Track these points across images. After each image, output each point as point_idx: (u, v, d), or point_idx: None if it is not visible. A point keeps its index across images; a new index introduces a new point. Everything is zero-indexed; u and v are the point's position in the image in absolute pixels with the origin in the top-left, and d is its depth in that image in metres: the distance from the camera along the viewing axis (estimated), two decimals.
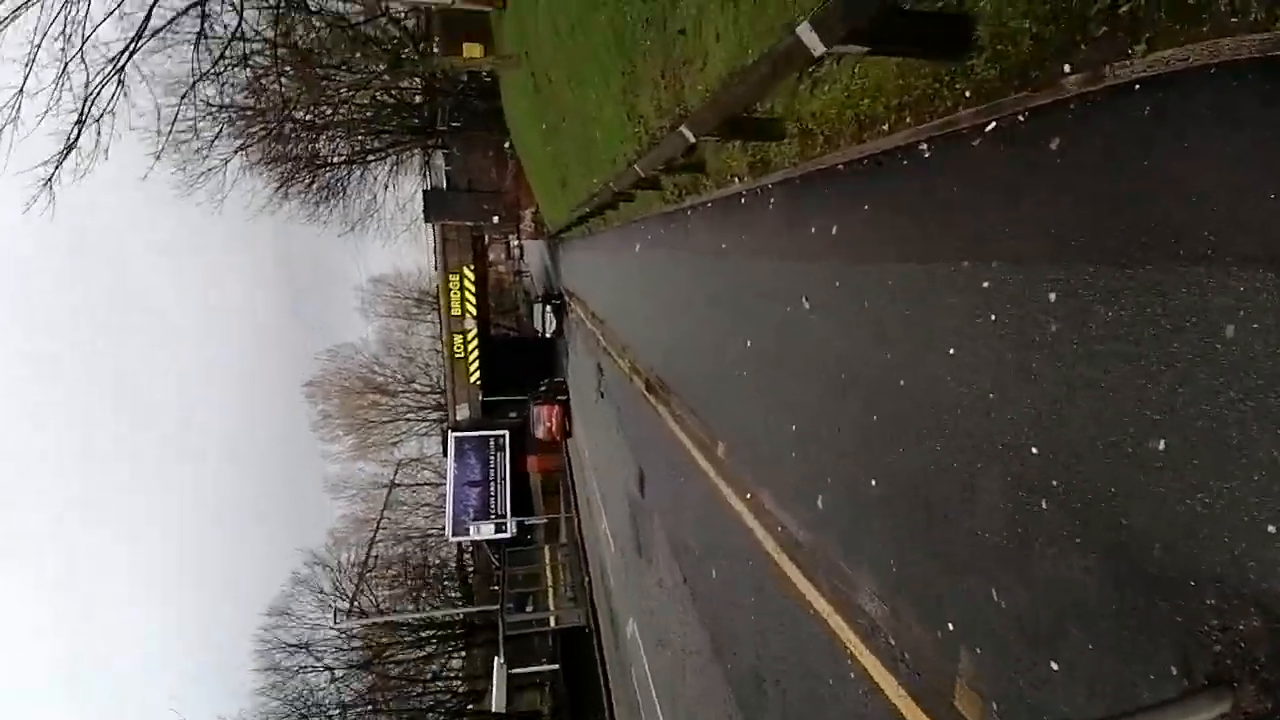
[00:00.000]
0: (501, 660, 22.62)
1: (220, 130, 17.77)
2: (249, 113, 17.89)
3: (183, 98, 16.02)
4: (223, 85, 17.34)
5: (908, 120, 3.83)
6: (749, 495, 7.04)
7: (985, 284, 3.34)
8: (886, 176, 4.07)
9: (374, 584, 37.77)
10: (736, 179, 6.53)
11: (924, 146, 3.77)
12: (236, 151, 17.74)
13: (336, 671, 34.19)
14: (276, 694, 32.77)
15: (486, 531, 30.92)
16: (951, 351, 3.52)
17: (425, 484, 54.67)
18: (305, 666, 34.03)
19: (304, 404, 58.30)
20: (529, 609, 23.00)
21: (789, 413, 5.65)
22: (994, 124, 3.38)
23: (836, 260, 4.70)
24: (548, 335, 29.46)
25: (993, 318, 3.29)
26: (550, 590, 23.66)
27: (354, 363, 57.69)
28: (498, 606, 24.99)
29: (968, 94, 3.47)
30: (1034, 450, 3.00)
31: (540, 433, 26.58)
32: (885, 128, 3.99)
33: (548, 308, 28.46)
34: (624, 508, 14.96)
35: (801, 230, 5.21)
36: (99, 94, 13.05)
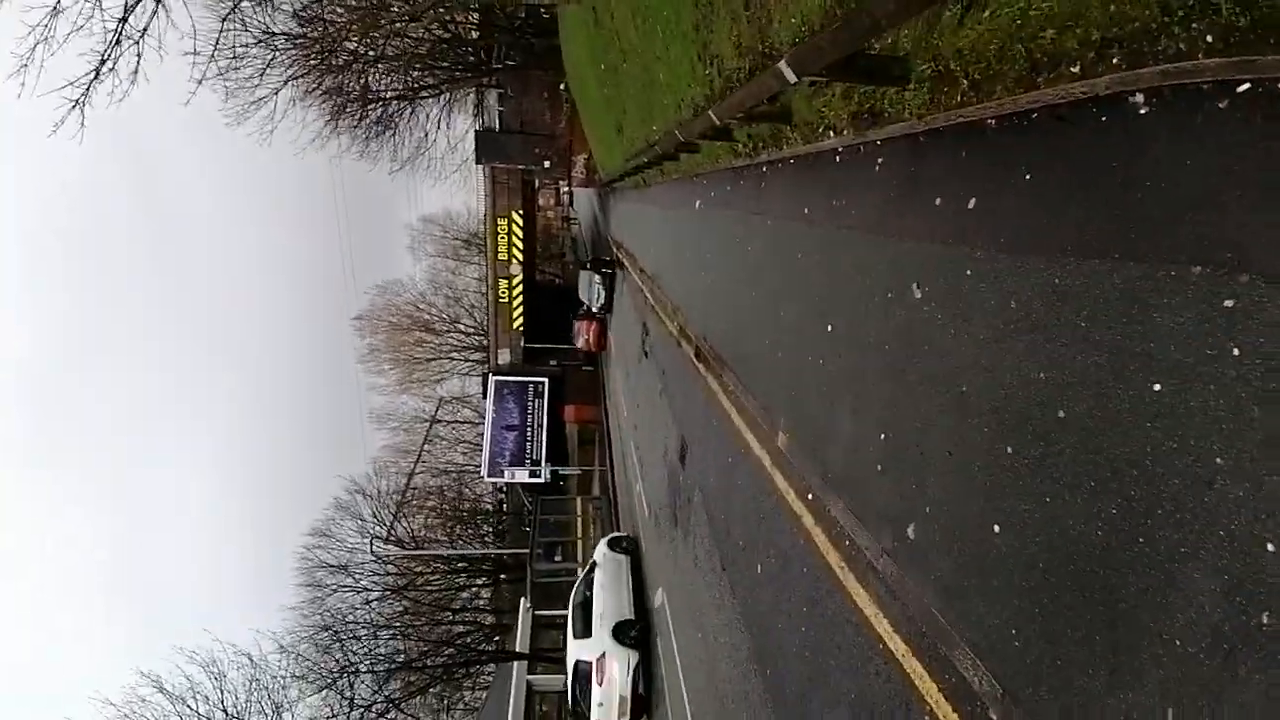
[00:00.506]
0: (528, 604, 22.65)
1: (271, 58, 16.98)
2: (300, 40, 17.01)
3: (224, 20, 15.14)
4: (273, 8, 16.42)
5: (1116, 61, 2.74)
6: (811, 497, 6.17)
7: (1229, 303, 2.32)
8: (1069, 136, 3.00)
9: (411, 515, 38.48)
10: (832, 132, 5.43)
11: (1139, 98, 2.69)
12: (287, 82, 16.96)
13: (371, 594, 35.18)
14: (315, 609, 33.90)
15: (521, 476, 30.91)
16: (1158, 388, 2.53)
17: (465, 422, 55.33)
18: (343, 585, 35.06)
19: (353, 337, 59.16)
20: (558, 558, 22.85)
21: (879, 418, 4.71)
22: (1251, 85, 2.31)
23: (970, 242, 3.66)
24: (595, 310, 25.55)
25: (1235, 352, 2.28)
26: (580, 541, 23.43)
27: (402, 299, 58.10)
28: (528, 550, 24.95)
29: (1210, 38, 2.39)
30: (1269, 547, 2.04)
31: (580, 344, 28.33)
32: (1076, 69, 2.90)
33: (596, 275, 24.62)
34: (662, 473, 14.28)
35: (920, 200, 4.16)
36: (134, 8, 12.26)
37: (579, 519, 24.52)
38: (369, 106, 24.78)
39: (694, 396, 11.34)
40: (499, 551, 32.63)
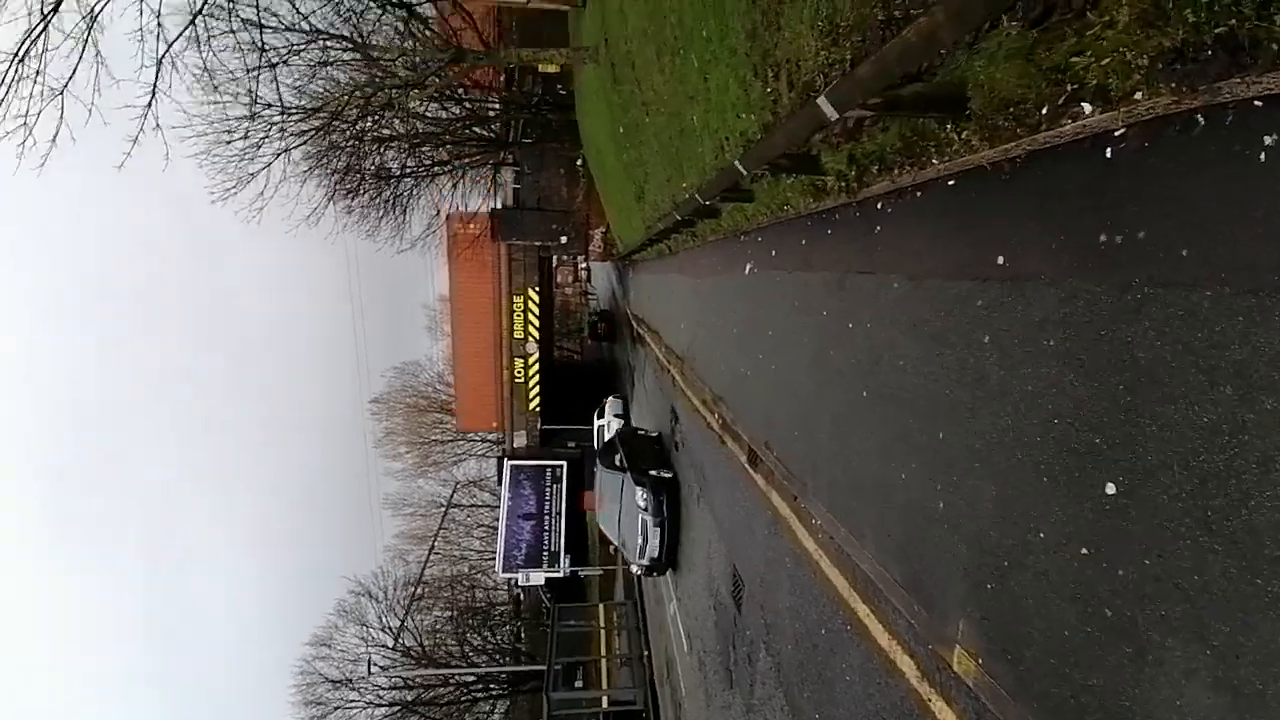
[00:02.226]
0: None
1: (265, 132, 15.38)
2: (296, 112, 15.47)
3: (216, 88, 13.45)
4: (265, 78, 14.81)
5: None
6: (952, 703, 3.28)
7: None
8: None
9: (424, 612, 34.84)
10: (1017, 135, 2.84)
11: None
12: (279, 155, 15.27)
13: (378, 709, 31.26)
14: None
15: (537, 578, 27.57)
16: None
17: (482, 505, 52.09)
18: (348, 702, 31.24)
19: (369, 420, 56.97)
20: (577, 683, 19.31)
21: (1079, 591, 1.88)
22: None
23: None
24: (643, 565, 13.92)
25: None
26: (603, 662, 19.90)
27: (420, 380, 56.21)
28: (544, 666, 21.37)
29: None
30: None
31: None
32: None
33: (640, 493, 13.40)
34: (705, 603, 11.21)
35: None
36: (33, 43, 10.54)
37: (601, 632, 21.03)
38: (380, 184, 23.19)
39: (749, 515, 8.47)
40: (513, 669, 28.79)
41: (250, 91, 14.94)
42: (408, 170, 24.86)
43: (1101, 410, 2.65)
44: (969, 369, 3.57)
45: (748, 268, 8.17)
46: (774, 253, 7.08)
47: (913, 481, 4.22)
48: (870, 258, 4.80)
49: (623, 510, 13.91)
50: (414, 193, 25.00)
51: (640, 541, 13.07)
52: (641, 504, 13.04)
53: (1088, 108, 2.61)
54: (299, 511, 78.41)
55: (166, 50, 11.96)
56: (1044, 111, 2.82)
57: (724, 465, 9.98)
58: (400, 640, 31.72)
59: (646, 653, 18.46)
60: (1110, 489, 2.61)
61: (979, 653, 3.50)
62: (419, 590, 35.85)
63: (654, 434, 15.70)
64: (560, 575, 31.17)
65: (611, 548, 15.88)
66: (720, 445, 10.21)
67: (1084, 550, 2.74)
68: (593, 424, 25.55)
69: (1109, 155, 2.63)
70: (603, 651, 19.93)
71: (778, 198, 6.50)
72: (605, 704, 18.61)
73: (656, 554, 12.88)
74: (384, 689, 30.62)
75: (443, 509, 49.92)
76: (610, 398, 24.11)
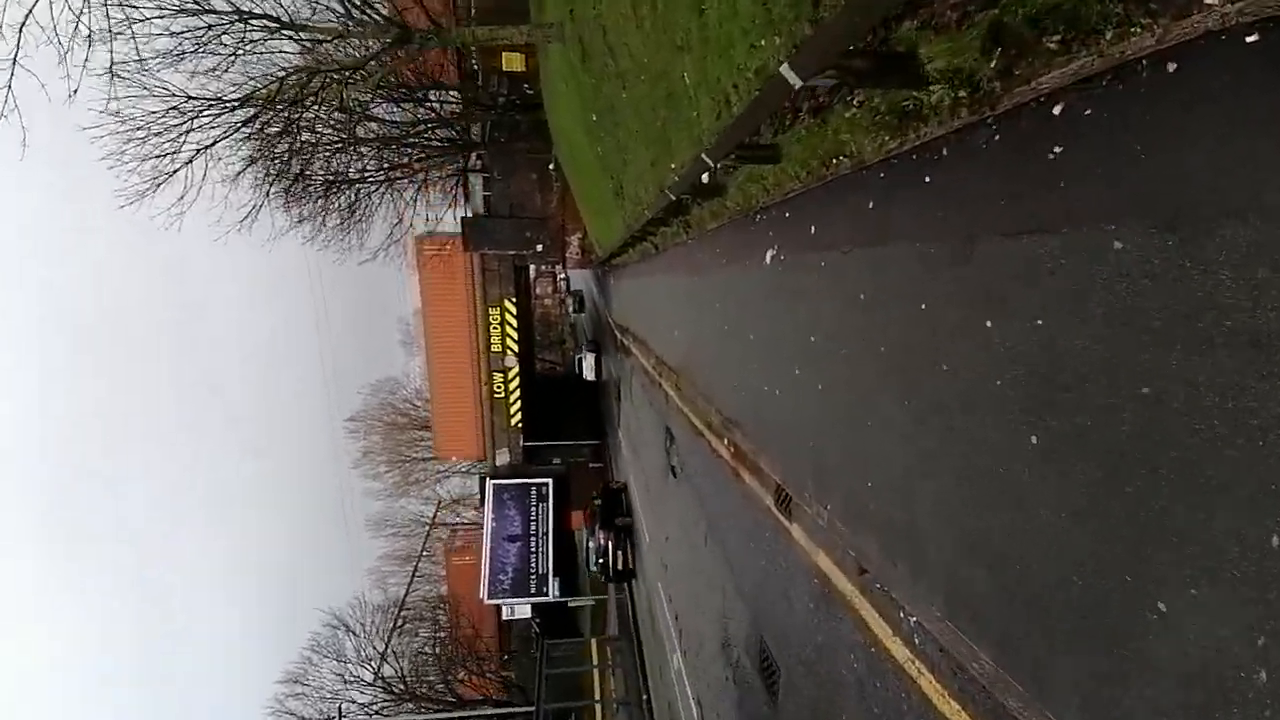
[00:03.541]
0: None
1: (187, 124, 13.01)
2: (222, 105, 13.15)
3: (115, 76, 11.14)
4: (188, 68, 12.47)
5: None
6: None
7: None
8: None
9: (402, 646, 32.22)
10: None
11: None
12: (199, 151, 12.82)
13: None
14: None
15: (523, 611, 25.22)
16: None
17: (469, 524, 49.48)
18: None
19: (345, 440, 54.09)
20: None
21: None
22: None
23: None
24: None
25: None
26: (597, 707, 17.63)
27: (397, 397, 53.50)
28: (533, 709, 19.05)
29: None
30: None
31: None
32: None
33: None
34: (719, 667, 9.07)
35: None
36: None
37: (595, 673, 18.75)
38: (331, 190, 20.75)
39: (783, 579, 6.37)
40: (498, 713, 26.35)
41: (161, 85, 12.64)
42: (366, 175, 22.47)
43: None
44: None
45: (769, 256, 6.08)
46: (814, 229, 4.99)
47: (981, 540, 2.14)
48: (1040, 203, 2.71)
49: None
50: (372, 200, 22.57)
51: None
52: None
53: None
54: (276, 534, 74.85)
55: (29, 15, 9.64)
56: None
57: (740, 504, 7.87)
58: (380, 674, 29.13)
59: (646, 696, 16.26)
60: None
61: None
62: (401, 618, 33.28)
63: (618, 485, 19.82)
64: (549, 600, 28.85)
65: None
66: (735, 480, 8.09)
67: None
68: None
69: None
70: (597, 694, 17.66)
71: (823, 146, 4.41)
72: None
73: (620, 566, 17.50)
74: None
75: (426, 529, 47.32)
76: (585, 351, 28.37)
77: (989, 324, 3.08)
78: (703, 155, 5.51)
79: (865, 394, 4.34)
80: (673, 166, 8.94)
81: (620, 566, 16.92)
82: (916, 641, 4.07)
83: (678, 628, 11.98)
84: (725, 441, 8.50)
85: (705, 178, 6.96)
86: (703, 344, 9.51)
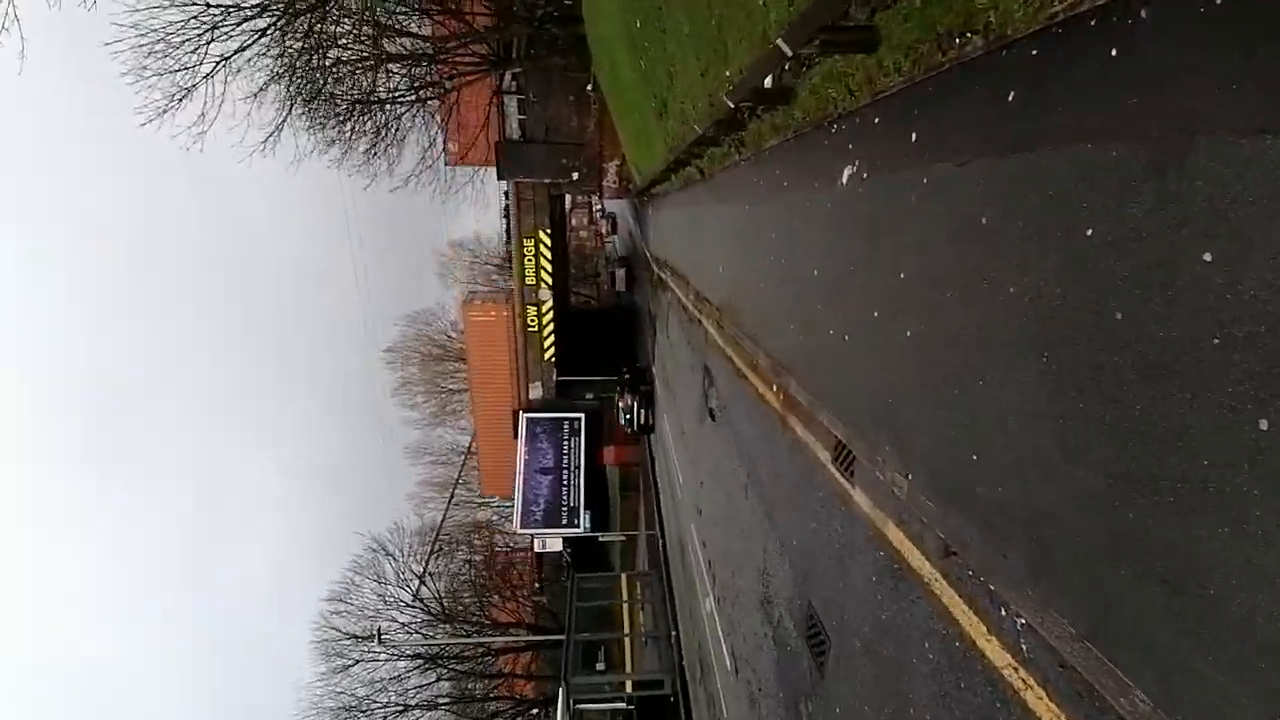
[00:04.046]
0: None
1: (205, 35, 12.05)
2: (239, 11, 12.12)
3: None
4: None
5: None
6: None
7: None
8: None
9: (439, 568, 33.29)
10: None
11: None
12: (218, 65, 11.88)
13: (399, 662, 30.03)
14: (337, 683, 28.88)
15: (554, 544, 25.44)
16: None
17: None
18: (370, 654, 29.99)
19: (383, 369, 54.89)
20: (599, 664, 17.20)
21: None
22: None
23: None
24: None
25: None
26: (627, 642, 17.72)
27: (433, 329, 53.66)
28: (563, 639, 19.34)
29: None
30: None
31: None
32: None
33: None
34: (757, 627, 8.58)
35: None
36: None
37: (624, 606, 18.80)
38: (359, 111, 19.69)
39: (839, 544, 5.65)
40: (531, 640, 27.04)
41: None
42: (396, 95, 21.28)
43: None
44: None
45: (846, 174, 5.05)
46: (916, 136, 3.96)
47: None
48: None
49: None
50: (402, 121, 21.46)
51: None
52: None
53: None
54: (319, 456, 77.70)
55: None
56: None
57: (788, 458, 7.12)
58: (418, 596, 30.20)
59: (674, 632, 16.20)
60: None
61: None
62: (438, 543, 34.26)
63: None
64: (580, 532, 29.18)
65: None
66: (781, 429, 7.32)
67: None
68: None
69: None
70: (626, 628, 17.72)
71: (945, 20, 3.34)
72: (629, 687, 16.52)
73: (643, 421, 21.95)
74: (404, 640, 29.22)
75: (463, 457, 48.25)
76: (616, 266, 31.70)
77: (1208, 258, 2.14)
78: (779, 41, 4.43)
79: (978, 348, 3.43)
80: (727, 74, 7.76)
81: (643, 422, 21.86)
82: (1024, 649, 3.32)
83: (711, 574, 11.56)
84: (774, 388, 7.68)
85: (768, 81, 5.86)
86: (752, 279, 8.55)
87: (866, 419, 4.98)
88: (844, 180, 5.10)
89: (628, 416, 22.44)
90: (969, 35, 3.19)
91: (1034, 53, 2.91)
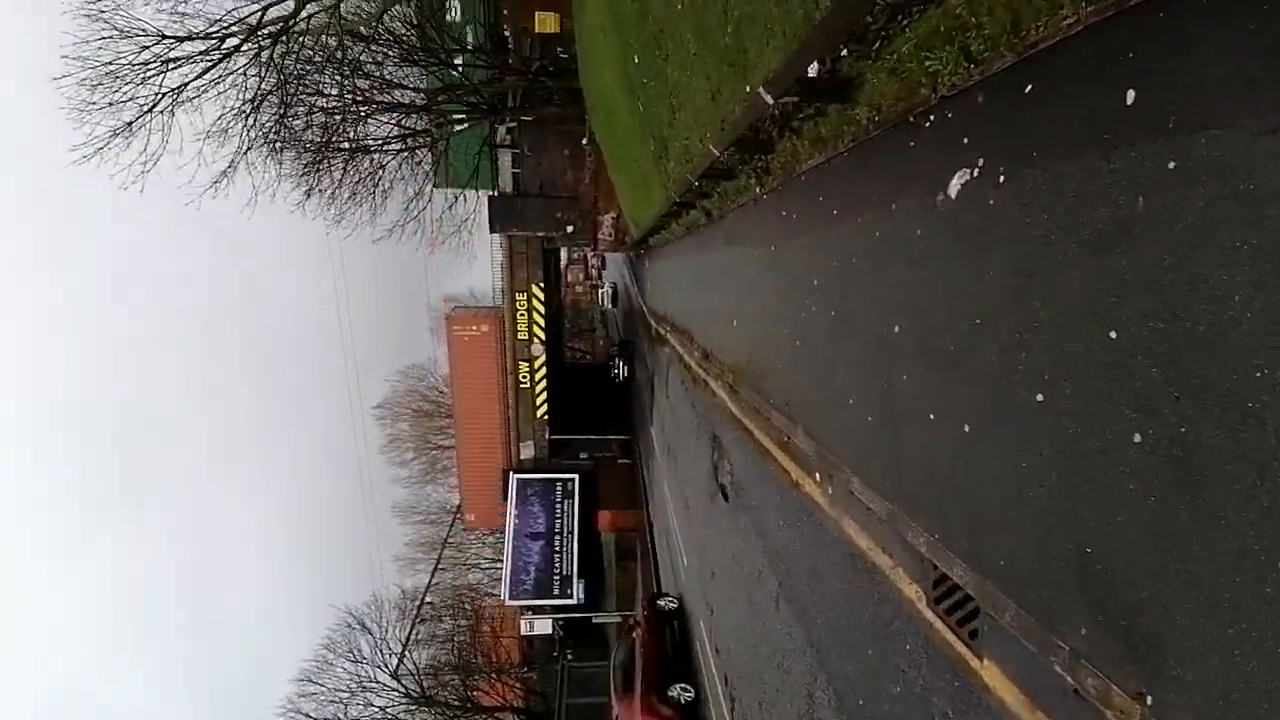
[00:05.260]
0: None
1: (146, 65, 10.69)
2: (191, 38, 10.83)
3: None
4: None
5: None
6: None
7: None
8: None
9: (420, 652, 30.29)
10: None
11: None
12: (158, 98, 10.46)
13: None
14: None
15: (542, 627, 22.91)
16: None
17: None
18: None
19: (373, 426, 52.64)
20: None
21: None
22: None
23: None
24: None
25: None
26: None
27: (424, 384, 51.69)
28: None
29: None
30: None
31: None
32: None
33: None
34: None
35: None
36: None
37: None
38: (332, 155, 18.36)
39: (940, 707, 3.69)
40: None
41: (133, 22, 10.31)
42: (384, 143, 20.07)
43: None
44: None
45: (954, 185, 3.35)
46: (1132, 97, 2.26)
47: None
48: None
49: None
50: (387, 170, 20.19)
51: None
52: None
53: None
54: (301, 518, 74.07)
55: None
56: None
57: (842, 574, 5.19)
58: (397, 675, 27.24)
59: None
60: None
61: None
62: (422, 610, 31.30)
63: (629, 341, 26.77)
64: (573, 604, 26.57)
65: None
66: (831, 533, 5.42)
67: None
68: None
69: None
70: None
71: None
72: None
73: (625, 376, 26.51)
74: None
75: (450, 517, 45.51)
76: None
77: None
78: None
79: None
80: (747, 89, 6.22)
81: (625, 376, 26.81)
82: None
83: (730, 694, 9.35)
84: (816, 477, 5.81)
85: (814, 69, 4.25)
86: (782, 336, 6.79)
87: (992, 547, 3.12)
88: (950, 192, 3.39)
89: (614, 373, 27.88)
90: None
91: None
